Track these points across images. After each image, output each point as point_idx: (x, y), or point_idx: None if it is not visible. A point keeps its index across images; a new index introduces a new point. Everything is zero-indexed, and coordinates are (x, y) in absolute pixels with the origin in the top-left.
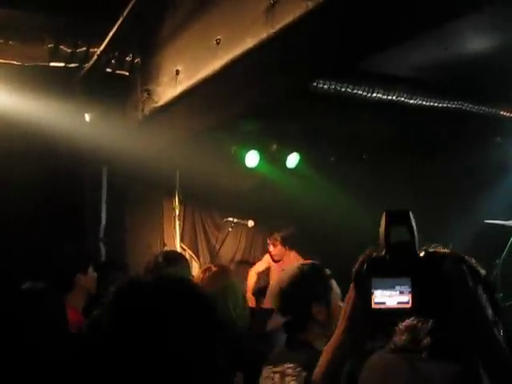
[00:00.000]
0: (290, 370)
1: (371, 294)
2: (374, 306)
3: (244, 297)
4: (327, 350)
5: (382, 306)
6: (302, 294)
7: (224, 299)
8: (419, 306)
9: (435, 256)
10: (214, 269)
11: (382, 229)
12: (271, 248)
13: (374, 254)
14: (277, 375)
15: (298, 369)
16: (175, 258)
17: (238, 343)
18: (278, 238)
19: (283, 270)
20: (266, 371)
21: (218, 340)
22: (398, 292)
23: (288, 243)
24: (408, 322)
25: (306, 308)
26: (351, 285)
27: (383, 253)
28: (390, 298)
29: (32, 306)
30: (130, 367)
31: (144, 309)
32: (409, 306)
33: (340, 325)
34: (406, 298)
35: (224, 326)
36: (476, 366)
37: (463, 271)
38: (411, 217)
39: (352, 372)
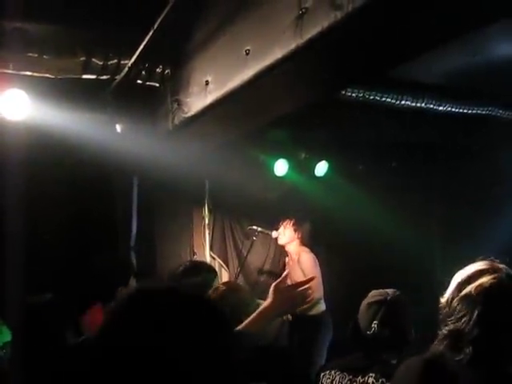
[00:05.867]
0: (371, 379)
1: None
2: None
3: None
4: None
5: None
6: None
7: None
8: None
9: None
10: (221, 288)
11: None
12: (280, 229)
13: None
14: None
15: (381, 379)
16: (194, 269)
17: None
18: (292, 221)
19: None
20: (340, 377)
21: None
22: None
23: (302, 236)
24: (451, 327)
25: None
26: None
27: None
28: None
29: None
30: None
31: (154, 321)
32: None
33: None
34: None
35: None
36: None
37: None
38: None
39: None
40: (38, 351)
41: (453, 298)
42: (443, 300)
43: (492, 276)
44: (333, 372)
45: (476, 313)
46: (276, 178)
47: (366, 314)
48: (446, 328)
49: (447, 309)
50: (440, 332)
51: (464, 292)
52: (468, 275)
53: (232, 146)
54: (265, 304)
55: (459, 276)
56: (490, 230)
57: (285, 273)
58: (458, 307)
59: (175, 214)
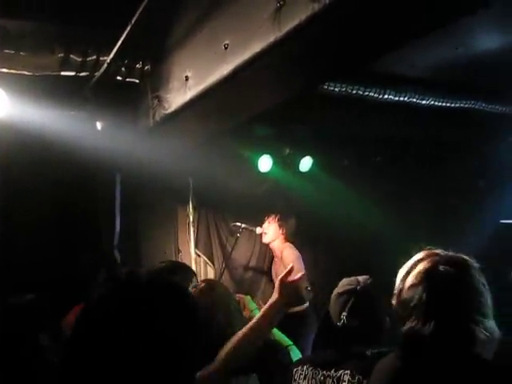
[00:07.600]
0: (347, 377)
1: None
2: None
3: (236, 304)
4: None
5: None
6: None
7: (211, 314)
8: None
9: None
10: (201, 285)
11: None
12: (265, 224)
13: None
14: (329, 379)
15: (357, 376)
16: (171, 268)
17: None
18: (277, 216)
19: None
20: (313, 372)
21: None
22: None
23: (287, 232)
24: (408, 325)
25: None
26: None
27: None
28: None
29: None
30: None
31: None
32: None
33: None
34: None
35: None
36: (478, 372)
37: None
38: None
39: None
40: (9, 352)
41: (400, 294)
42: (394, 301)
43: (426, 261)
44: (305, 367)
45: (424, 301)
46: (260, 174)
47: (335, 304)
48: (404, 328)
49: (399, 308)
50: (402, 329)
51: (407, 285)
52: (407, 269)
53: (216, 142)
54: (272, 299)
55: (400, 273)
56: (474, 222)
57: (289, 267)
58: (406, 302)
59: (159, 211)
